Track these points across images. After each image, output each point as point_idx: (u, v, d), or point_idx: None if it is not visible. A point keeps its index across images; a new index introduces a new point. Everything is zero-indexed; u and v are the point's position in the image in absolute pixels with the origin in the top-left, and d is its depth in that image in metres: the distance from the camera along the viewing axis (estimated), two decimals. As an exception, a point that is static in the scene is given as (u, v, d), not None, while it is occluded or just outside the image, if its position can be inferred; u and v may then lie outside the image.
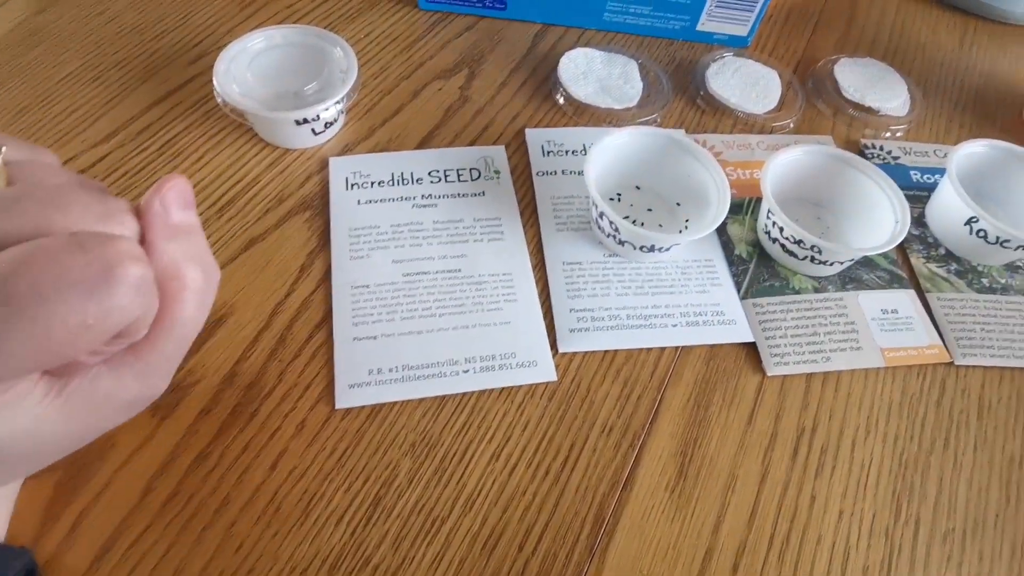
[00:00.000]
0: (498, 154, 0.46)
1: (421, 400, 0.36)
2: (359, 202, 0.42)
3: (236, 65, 0.43)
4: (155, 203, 0.20)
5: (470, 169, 0.45)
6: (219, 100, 0.42)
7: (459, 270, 0.40)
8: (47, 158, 0.22)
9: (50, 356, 0.18)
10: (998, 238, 0.42)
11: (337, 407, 0.35)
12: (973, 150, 0.46)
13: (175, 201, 0.21)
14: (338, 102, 0.43)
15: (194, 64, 0.49)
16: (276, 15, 0.54)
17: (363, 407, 0.35)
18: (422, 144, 0.47)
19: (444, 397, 0.36)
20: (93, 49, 0.49)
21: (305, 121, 0.42)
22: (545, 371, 0.37)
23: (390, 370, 0.36)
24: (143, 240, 0.20)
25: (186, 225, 0.21)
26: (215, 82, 0.42)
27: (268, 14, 0.54)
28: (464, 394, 0.36)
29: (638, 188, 0.45)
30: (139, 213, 0.20)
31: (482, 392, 0.36)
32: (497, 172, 0.45)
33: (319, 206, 0.42)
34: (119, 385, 0.20)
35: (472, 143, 0.47)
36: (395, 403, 0.35)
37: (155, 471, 0.32)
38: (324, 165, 0.44)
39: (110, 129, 0.45)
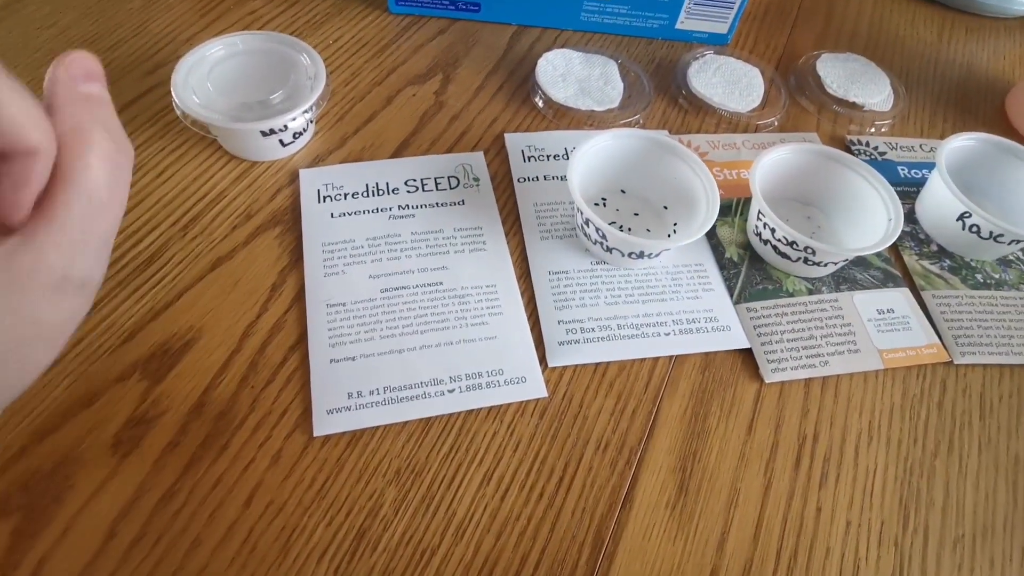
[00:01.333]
0: (477, 161, 0.45)
1: (405, 423, 0.34)
2: (332, 215, 0.40)
3: (195, 75, 0.41)
4: (59, 71, 0.19)
5: (448, 177, 0.43)
6: (179, 112, 0.40)
7: (440, 283, 0.38)
8: None
9: None
10: (991, 233, 0.41)
11: (315, 435, 0.33)
12: (961, 144, 0.45)
13: (81, 72, 0.20)
14: (306, 111, 0.41)
15: (152, 74, 0.47)
16: (238, 22, 0.52)
17: (343, 434, 0.33)
18: (397, 152, 0.45)
19: (429, 419, 0.34)
20: (43, 63, 0.47)
21: (272, 132, 0.40)
22: (535, 387, 0.35)
23: (371, 393, 0.34)
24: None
25: (94, 96, 0.20)
26: (173, 94, 0.39)
27: (229, 21, 0.52)
28: (450, 415, 0.34)
29: (623, 192, 0.44)
30: (46, 88, 0.19)
31: (469, 412, 0.34)
32: (476, 180, 0.43)
33: (290, 221, 0.40)
34: (38, 258, 0.19)
35: (449, 150, 0.45)
36: (377, 428, 0.33)
37: (119, 512, 0.30)
38: (294, 177, 0.42)
39: (64, 145, 0.42)
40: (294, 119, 0.40)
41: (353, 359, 0.35)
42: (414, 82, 0.50)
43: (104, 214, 0.20)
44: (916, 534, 0.33)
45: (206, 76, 0.41)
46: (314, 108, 0.41)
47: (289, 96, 0.41)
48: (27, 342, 0.20)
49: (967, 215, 0.41)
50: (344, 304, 0.37)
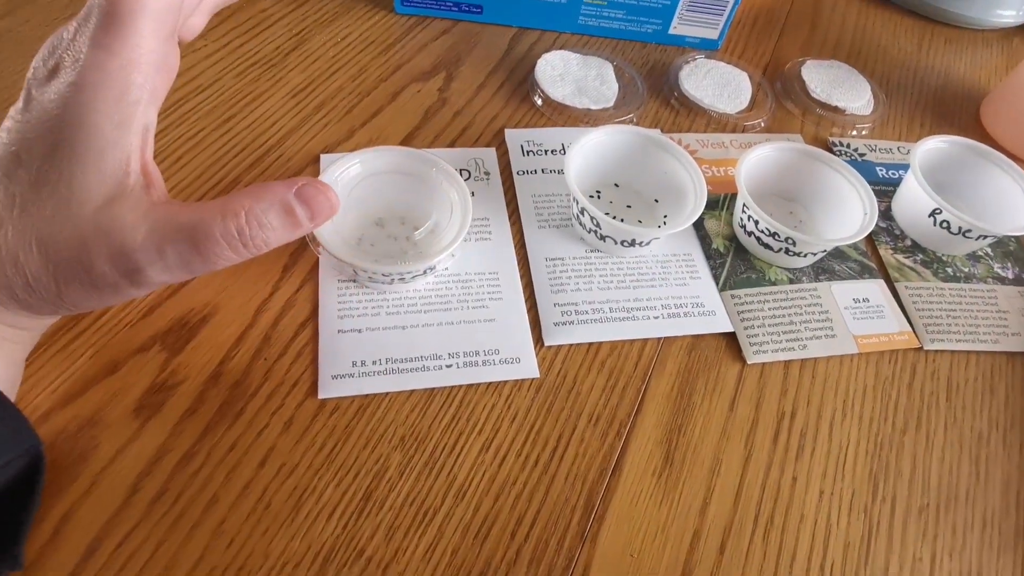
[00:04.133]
0: (488, 156, 0.47)
1: (410, 395, 0.36)
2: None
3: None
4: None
5: (460, 170, 0.45)
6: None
7: (446, 268, 0.40)
8: None
9: None
10: (960, 228, 0.44)
11: (320, 397, 0.35)
12: (934, 146, 0.48)
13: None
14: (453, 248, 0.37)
15: (170, 67, 0.49)
16: (248, 20, 0.54)
17: (351, 403, 0.35)
18: (403, 145, 0.47)
19: (432, 392, 0.36)
20: (66, 52, 0.49)
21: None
22: (528, 368, 0.37)
23: (373, 362, 0.36)
24: None
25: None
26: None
27: (239, 20, 0.54)
28: (452, 388, 0.36)
29: (617, 186, 0.46)
30: None
31: (470, 386, 0.37)
32: (487, 174, 0.46)
33: (301, 206, 0.42)
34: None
35: (452, 144, 0.48)
36: (383, 399, 0.35)
37: (140, 471, 0.32)
38: (306, 165, 0.44)
39: (86, 131, 0.44)
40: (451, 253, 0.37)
41: (359, 331, 0.37)
42: (418, 79, 0.52)
43: None
44: (884, 503, 0.36)
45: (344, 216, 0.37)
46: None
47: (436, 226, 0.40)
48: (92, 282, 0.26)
49: (938, 212, 0.44)
50: (354, 281, 0.39)
